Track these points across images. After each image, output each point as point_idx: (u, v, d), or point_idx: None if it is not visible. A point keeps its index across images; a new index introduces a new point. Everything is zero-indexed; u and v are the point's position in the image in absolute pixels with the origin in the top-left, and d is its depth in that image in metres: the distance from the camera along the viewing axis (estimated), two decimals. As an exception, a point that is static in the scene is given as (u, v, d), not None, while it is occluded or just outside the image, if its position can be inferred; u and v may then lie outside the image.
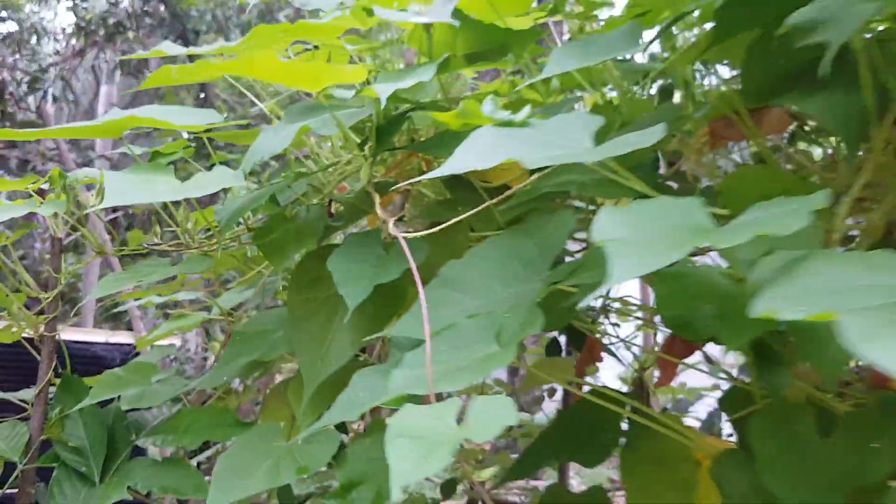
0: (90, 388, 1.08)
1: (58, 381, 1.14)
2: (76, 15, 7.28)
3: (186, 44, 6.63)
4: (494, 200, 0.80)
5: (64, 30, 8.03)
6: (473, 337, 0.70)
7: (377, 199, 0.78)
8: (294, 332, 0.93)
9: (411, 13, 0.79)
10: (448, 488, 2.02)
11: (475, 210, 0.82)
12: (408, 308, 0.78)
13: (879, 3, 0.55)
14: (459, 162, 0.61)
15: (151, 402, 1.03)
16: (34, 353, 1.13)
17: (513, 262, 0.78)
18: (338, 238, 1.09)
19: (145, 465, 1.01)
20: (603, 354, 1.23)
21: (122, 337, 3.07)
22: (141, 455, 1.12)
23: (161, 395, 1.04)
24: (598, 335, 1.20)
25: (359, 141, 0.86)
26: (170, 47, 1.02)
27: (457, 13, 0.84)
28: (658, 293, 0.58)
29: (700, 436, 0.80)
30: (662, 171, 0.98)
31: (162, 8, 6.20)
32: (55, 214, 1.01)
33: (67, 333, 3.57)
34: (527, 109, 0.68)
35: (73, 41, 7.38)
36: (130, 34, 6.71)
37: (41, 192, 1.11)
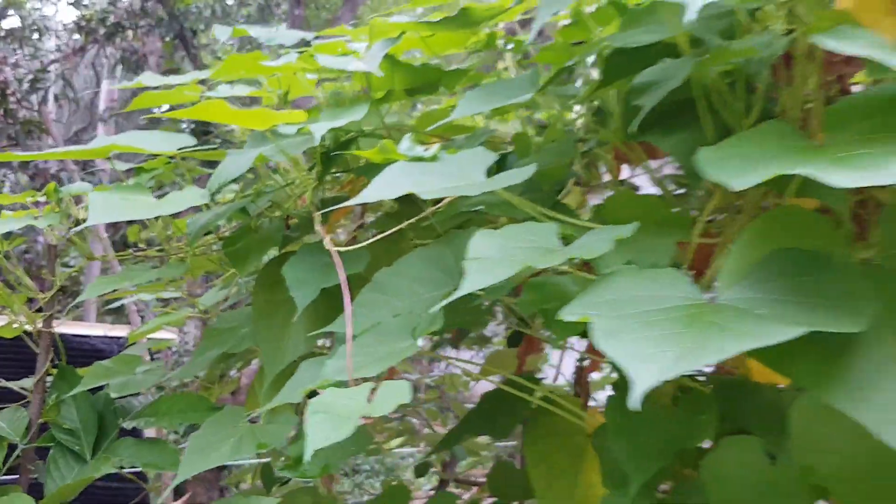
0: (82, 377, 1.23)
1: (54, 371, 1.29)
2: (77, 9, 7.41)
3: (185, 42, 6.74)
4: (419, 216, 0.94)
5: (65, 25, 8.16)
6: (395, 333, 0.84)
7: (318, 217, 0.92)
8: (258, 329, 1.08)
9: (348, 61, 0.93)
10: (421, 470, 2.18)
11: (407, 223, 0.97)
12: (351, 308, 0.92)
13: (697, 63, 0.69)
14: (372, 192, 0.75)
15: (135, 389, 1.18)
16: (33, 346, 1.28)
17: (433, 268, 0.92)
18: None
19: (130, 444, 1.16)
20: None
21: (120, 330, 3.23)
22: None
23: (144, 383, 1.19)
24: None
25: (308, 166, 1.01)
26: (150, 78, 1.17)
27: (390, 58, 0.99)
28: (523, 296, 0.73)
29: (594, 413, 0.95)
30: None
31: (160, 8, 6.32)
32: (50, 226, 1.16)
33: (69, 327, 3.73)
34: (436, 147, 0.82)
35: (75, 36, 7.51)
36: (129, 33, 6.83)
37: (38, 204, 1.25)
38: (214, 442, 1.01)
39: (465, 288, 0.61)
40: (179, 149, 1.06)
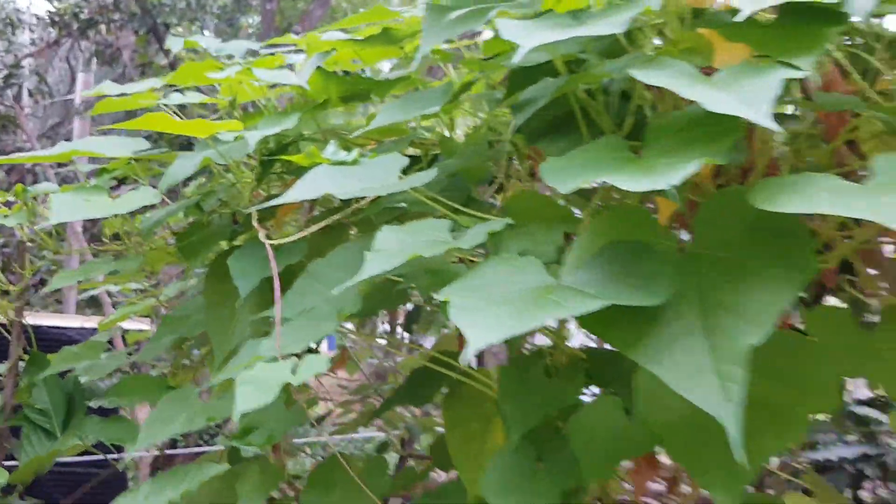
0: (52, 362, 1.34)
1: (27, 357, 1.40)
2: (50, 3, 7.43)
3: (158, 37, 6.78)
4: (343, 213, 1.06)
5: (40, 19, 8.17)
6: (324, 315, 0.96)
7: (255, 214, 1.04)
8: (208, 315, 1.19)
9: (283, 75, 1.05)
10: (381, 449, 2.31)
11: (341, 214, 1.09)
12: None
13: (564, 82, 0.81)
14: (295, 192, 0.87)
15: (99, 373, 1.30)
16: (6, 334, 1.39)
17: (359, 258, 1.04)
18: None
19: (95, 421, 1.27)
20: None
21: (94, 322, 3.33)
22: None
23: (107, 367, 1.31)
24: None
25: (251, 168, 1.13)
26: (109, 87, 1.27)
27: (322, 71, 1.11)
28: (421, 281, 0.85)
29: (502, 385, 1.08)
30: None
31: (133, 3, 6.37)
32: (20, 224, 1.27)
33: (48, 319, 3.83)
34: (355, 153, 0.94)
35: (49, 30, 7.53)
36: (103, 27, 6.87)
37: (8, 204, 1.36)
38: (170, 416, 1.13)
39: (361, 275, 0.73)
40: (134, 152, 1.17)
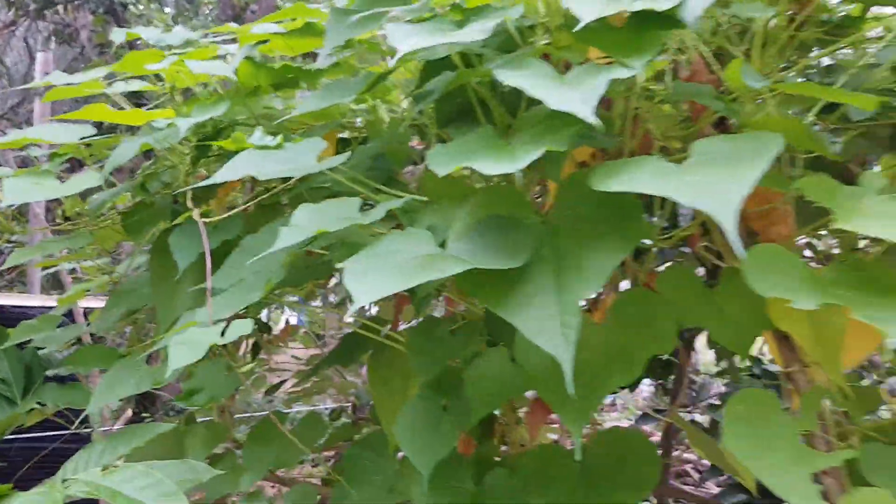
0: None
1: (-14, 331, 1.49)
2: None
3: (116, 17, 6.74)
4: (270, 192, 1.17)
5: (-6, -2, 8.04)
6: (253, 286, 1.07)
7: (189, 195, 1.14)
8: (154, 288, 1.30)
9: (213, 66, 1.14)
10: (335, 415, 2.43)
11: (268, 195, 1.20)
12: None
13: (454, 75, 0.93)
14: (221, 174, 0.97)
15: (54, 343, 1.40)
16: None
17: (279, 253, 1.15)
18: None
19: (53, 388, 1.37)
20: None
21: (55, 301, 3.41)
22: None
23: (62, 338, 1.41)
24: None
25: (186, 152, 1.23)
26: (56, 77, 1.36)
27: (251, 61, 1.21)
28: (336, 253, 0.97)
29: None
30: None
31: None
32: (-26, 206, 1.35)
33: (10, 299, 3.87)
34: (279, 138, 1.04)
35: (5, 11, 7.43)
36: (60, 7, 6.81)
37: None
38: (120, 380, 1.24)
39: (274, 247, 0.84)
40: (81, 138, 1.26)
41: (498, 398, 0.91)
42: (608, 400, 6.98)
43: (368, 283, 0.72)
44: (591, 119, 0.66)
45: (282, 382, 2.36)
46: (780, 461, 0.69)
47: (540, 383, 0.83)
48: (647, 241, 1.06)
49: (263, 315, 2.13)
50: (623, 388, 1.65)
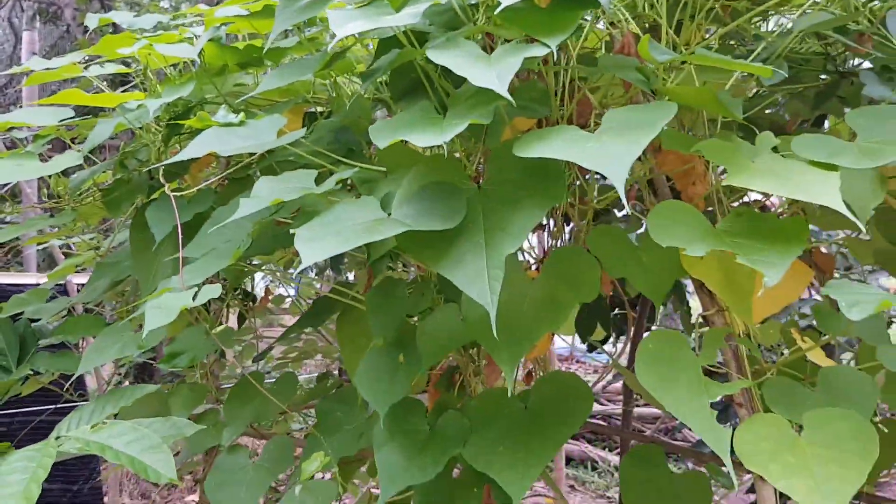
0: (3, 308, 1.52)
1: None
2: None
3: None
4: (247, 162, 1.25)
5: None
6: (223, 254, 1.16)
7: (161, 171, 1.22)
8: (134, 260, 1.38)
9: (180, 49, 1.22)
10: (321, 378, 2.53)
11: (241, 165, 1.28)
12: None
13: (396, 53, 1.00)
14: (188, 150, 1.05)
15: (45, 315, 1.49)
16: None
17: (246, 224, 1.23)
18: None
19: (45, 356, 1.47)
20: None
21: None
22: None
23: (52, 309, 1.50)
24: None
25: (159, 130, 1.31)
26: (35, 62, 1.43)
27: (217, 42, 1.28)
28: (295, 221, 1.05)
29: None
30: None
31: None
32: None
33: (6, 278, 3.97)
34: (241, 115, 1.12)
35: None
36: (42, -14, 6.79)
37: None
38: (106, 345, 1.33)
39: (234, 216, 0.93)
40: (61, 121, 1.34)
41: (445, 348, 1.00)
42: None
43: (315, 245, 0.81)
44: (504, 94, 0.75)
45: (269, 349, 2.45)
46: (681, 392, 0.79)
47: (478, 332, 0.92)
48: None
49: (254, 287, 2.22)
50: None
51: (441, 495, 1.01)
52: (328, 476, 1.23)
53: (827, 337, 0.95)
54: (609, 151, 0.70)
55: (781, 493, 0.86)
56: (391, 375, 1.05)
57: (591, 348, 2.35)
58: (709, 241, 0.76)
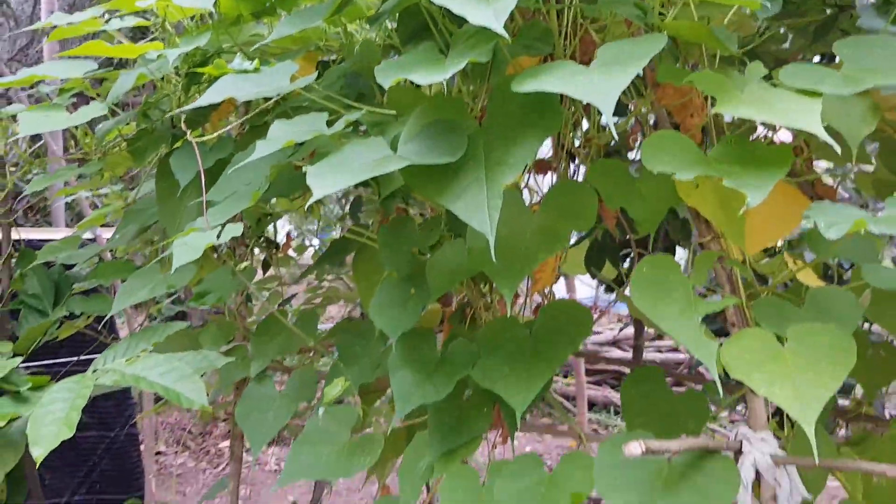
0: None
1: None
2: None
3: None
4: (258, 110, 1.30)
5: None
6: (243, 196, 1.22)
7: (183, 117, 1.28)
8: (160, 206, 1.45)
9: (195, 0, 1.26)
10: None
11: (257, 112, 1.33)
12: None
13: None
14: (206, 97, 1.10)
15: (76, 260, 1.57)
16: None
17: (264, 167, 1.28)
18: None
19: (79, 300, 1.55)
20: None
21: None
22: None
23: (83, 255, 1.58)
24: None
25: (179, 80, 1.36)
26: (58, 17, 1.48)
27: (229, -7, 1.32)
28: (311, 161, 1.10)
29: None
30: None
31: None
32: (-5, 140, 1.50)
33: (38, 233, 4.09)
34: (255, 62, 1.17)
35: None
36: (57, -56, 6.79)
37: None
38: (137, 287, 1.41)
39: (251, 158, 0.98)
40: (85, 73, 1.39)
41: (452, 279, 1.06)
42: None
43: (325, 180, 0.86)
44: (501, 31, 0.79)
45: (293, 296, 2.54)
46: (673, 309, 0.84)
47: (482, 260, 0.98)
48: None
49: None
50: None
51: (453, 415, 1.08)
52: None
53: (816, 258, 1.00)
54: (598, 83, 0.74)
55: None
56: (403, 305, 1.11)
57: (609, 289, 2.40)
58: (698, 167, 0.81)
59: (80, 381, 1.17)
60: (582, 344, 1.05)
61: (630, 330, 5.78)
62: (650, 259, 0.89)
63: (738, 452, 0.89)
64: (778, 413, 1.03)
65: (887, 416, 1.78)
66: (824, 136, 0.74)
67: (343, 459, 1.14)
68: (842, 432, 1.50)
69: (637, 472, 0.86)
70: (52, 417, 1.10)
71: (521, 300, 1.35)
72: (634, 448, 0.79)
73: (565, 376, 5.94)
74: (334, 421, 1.19)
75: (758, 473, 0.88)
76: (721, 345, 0.82)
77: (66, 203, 3.54)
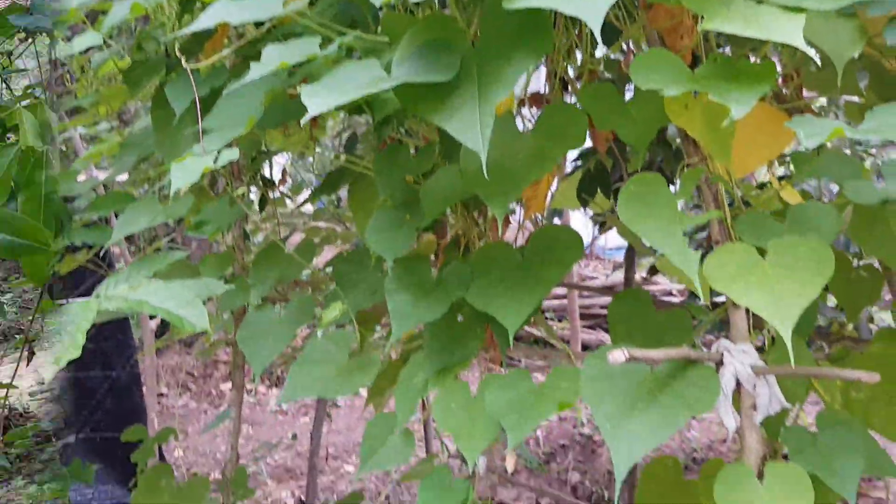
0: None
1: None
2: None
3: None
4: (249, 39, 1.30)
5: None
6: (239, 122, 1.23)
7: (177, 45, 1.28)
8: (157, 135, 1.46)
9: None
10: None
11: (239, 42, 1.33)
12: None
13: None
14: (199, 23, 1.10)
15: (77, 191, 1.59)
16: None
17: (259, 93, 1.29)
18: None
19: (79, 229, 1.57)
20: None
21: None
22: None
23: (83, 187, 1.59)
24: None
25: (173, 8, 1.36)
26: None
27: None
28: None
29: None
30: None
31: None
32: None
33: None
34: (248, -13, 1.17)
35: None
36: None
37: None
38: (136, 217, 1.43)
39: (245, 80, 0.99)
40: (79, 4, 1.39)
41: (445, 202, 1.08)
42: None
43: (319, 99, 0.88)
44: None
45: (291, 233, 2.57)
46: (657, 222, 0.86)
47: (475, 182, 1.00)
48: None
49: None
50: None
51: (448, 336, 1.12)
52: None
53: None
54: (587, -3, 0.75)
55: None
56: (398, 229, 1.14)
57: (602, 227, 2.43)
58: (685, 83, 0.82)
59: (85, 305, 1.20)
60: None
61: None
62: (638, 177, 0.91)
63: (720, 364, 0.92)
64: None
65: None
66: (805, 48, 0.76)
67: (341, 378, 1.18)
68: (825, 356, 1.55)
69: (621, 381, 0.90)
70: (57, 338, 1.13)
71: (513, 228, 1.38)
72: (618, 356, 0.82)
73: (560, 320, 6.02)
74: (333, 343, 1.23)
75: (738, 384, 0.92)
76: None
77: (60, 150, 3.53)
